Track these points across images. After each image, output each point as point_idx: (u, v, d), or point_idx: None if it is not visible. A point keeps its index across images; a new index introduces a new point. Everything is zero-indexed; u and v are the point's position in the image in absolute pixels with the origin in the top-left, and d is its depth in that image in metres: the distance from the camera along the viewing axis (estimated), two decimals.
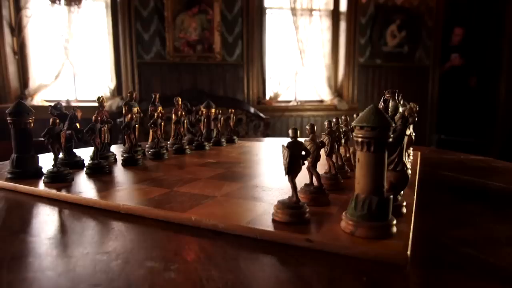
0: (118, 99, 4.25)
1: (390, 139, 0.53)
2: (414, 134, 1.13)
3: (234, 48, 4.48)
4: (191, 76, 4.44)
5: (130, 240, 0.56)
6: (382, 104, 0.72)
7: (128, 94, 1.18)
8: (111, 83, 4.36)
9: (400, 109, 0.83)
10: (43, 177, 0.83)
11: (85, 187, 0.80)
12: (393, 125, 0.62)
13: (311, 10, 4.65)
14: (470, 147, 4.24)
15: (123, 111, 1.15)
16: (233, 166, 1.03)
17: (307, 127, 0.68)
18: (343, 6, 4.73)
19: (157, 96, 1.27)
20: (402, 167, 0.61)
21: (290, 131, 0.60)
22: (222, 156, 1.21)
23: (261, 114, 4.25)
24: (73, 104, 4.26)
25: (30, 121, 0.87)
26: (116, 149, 1.20)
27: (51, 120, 0.83)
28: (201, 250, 0.52)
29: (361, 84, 4.82)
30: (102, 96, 1.07)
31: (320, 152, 0.69)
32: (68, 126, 0.96)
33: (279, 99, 4.75)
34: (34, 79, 4.15)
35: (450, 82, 4.93)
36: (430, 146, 4.81)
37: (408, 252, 0.49)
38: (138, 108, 1.19)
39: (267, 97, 4.73)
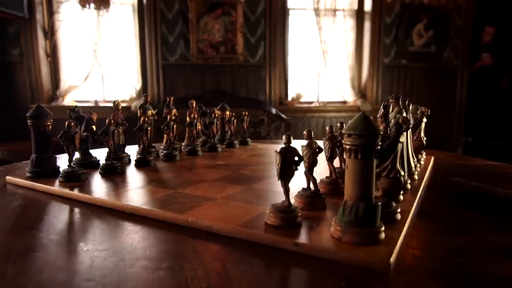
0: (143, 99, 4.36)
1: (378, 147, 0.53)
2: (425, 138, 1.12)
3: (256, 49, 4.51)
4: (214, 77, 4.51)
5: (130, 238, 0.60)
6: (382, 110, 0.72)
7: (143, 97, 1.22)
8: (137, 84, 4.50)
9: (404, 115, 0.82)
10: (59, 177, 0.88)
11: (96, 187, 0.84)
12: (388, 132, 0.63)
13: (334, 10, 4.61)
14: (501, 151, 4.07)
15: (138, 114, 1.20)
16: (240, 168, 1.05)
17: (305, 132, 0.69)
18: (367, 6, 4.66)
19: (172, 99, 1.31)
20: (395, 174, 0.61)
21: (283, 137, 0.62)
22: (232, 158, 1.24)
23: (283, 115, 4.25)
24: (101, 104, 4.42)
25: (49, 123, 0.93)
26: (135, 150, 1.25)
27: (66, 122, 0.88)
28: (193, 251, 0.55)
29: (386, 85, 4.73)
30: (117, 99, 1.12)
31: (317, 157, 0.70)
32: (84, 128, 1.01)
33: (301, 100, 4.74)
34: (65, 80, 4.34)
35: (480, 83, 4.75)
36: (458, 149, 4.66)
37: (392, 259, 0.49)
38: (152, 111, 1.23)
39: (289, 98, 4.73)
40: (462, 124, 4.88)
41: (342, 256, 0.50)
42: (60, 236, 0.61)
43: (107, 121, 0.97)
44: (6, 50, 4.08)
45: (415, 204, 0.75)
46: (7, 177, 0.93)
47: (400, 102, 0.84)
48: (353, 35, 4.74)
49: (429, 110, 1.12)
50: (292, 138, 0.62)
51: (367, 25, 4.70)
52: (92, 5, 4.11)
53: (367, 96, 4.77)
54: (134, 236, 0.60)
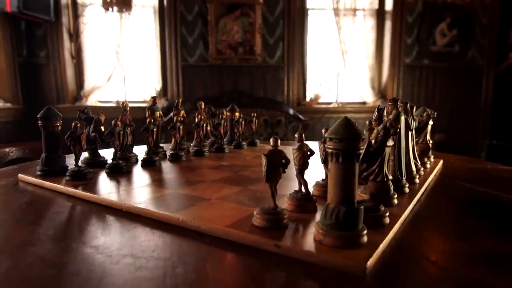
0: (163, 100, 4.45)
1: (360, 151, 0.53)
2: (431, 141, 1.10)
3: (275, 49, 4.51)
4: (232, 78, 4.54)
5: (121, 236, 0.62)
6: (376, 113, 0.72)
7: (151, 99, 1.26)
8: (158, 85, 4.59)
9: (402, 118, 0.81)
10: (66, 175, 0.92)
11: (100, 186, 0.88)
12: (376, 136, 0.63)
13: (354, 10, 4.55)
14: None
15: (146, 115, 1.23)
16: (242, 169, 1.07)
17: (296, 135, 0.70)
18: (388, 5, 4.57)
19: (180, 101, 1.34)
20: (382, 178, 0.61)
21: (271, 140, 0.63)
22: (237, 159, 1.25)
23: (300, 116, 4.24)
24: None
25: (58, 124, 0.97)
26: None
27: (73, 124, 0.92)
28: (179, 250, 0.57)
29: (407, 86, 4.62)
30: (125, 101, 1.15)
31: (309, 160, 0.70)
32: (93, 129, 1.05)
33: (320, 100, 4.71)
34: (89, 81, 4.49)
35: (507, 83, 4.57)
36: (481, 152, 4.50)
37: (370, 264, 0.49)
38: (160, 112, 1.26)
39: (308, 99, 4.71)
40: (486, 126, 4.71)
41: (321, 259, 0.51)
42: (57, 232, 0.64)
43: (113, 122, 1.01)
44: (34, 52, 4.25)
45: (409, 208, 0.74)
46: (19, 175, 0.98)
47: (399, 105, 0.83)
48: (373, 35, 4.66)
49: (435, 113, 1.10)
50: (279, 141, 0.62)
51: (388, 25, 4.61)
52: (115, 8, 4.23)
53: (387, 97, 4.68)
54: (125, 234, 0.63)
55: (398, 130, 0.65)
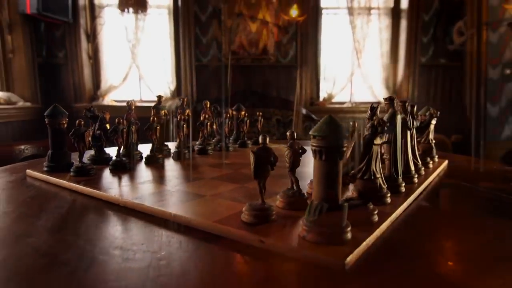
0: (177, 99, 4.51)
1: (344, 149, 0.54)
2: (434, 141, 1.09)
3: (288, 49, 4.51)
4: (245, 78, 4.56)
5: (113, 229, 0.64)
6: (369, 112, 0.72)
7: (157, 98, 1.29)
8: (172, 85, 4.65)
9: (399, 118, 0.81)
10: (70, 171, 0.95)
11: (102, 181, 0.91)
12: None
13: (369, 9, 4.50)
14: None
15: (152, 113, 1.26)
16: (242, 167, 1.08)
17: (287, 133, 0.71)
18: (404, 3, 4.50)
19: (185, 100, 1.36)
20: (370, 176, 0.61)
21: (260, 138, 0.64)
22: (240, 157, 1.26)
23: (313, 116, 4.22)
24: (138, 104, 4.61)
25: (64, 122, 1.01)
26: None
27: (77, 121, 0.95)
28: (168, 243, 0.58)
29: (422, 85, 4.54)
30: (131, 100, 1.18)
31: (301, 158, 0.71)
32: (98, 126, 1.09)
33: (333, 100, 4.68)
34: (106, 81, 4.59)
35: None
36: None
37: (349, 260, 0.50)
38: (165, 111, 1.29)
39: (321, 98, 4.68)
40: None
41: (301, 254, 0.52)
42: (55, 224, 0.67)
43: (116, 120, 1.04)
44: (53, 53, 4.38)
45: (403, 207, 0.73)
46: (27, 171, 1.02)
47: (395, 103, 0.83)
48: (388, 34, 4.60)
49: (438, 112, 1.09)
50: (268, 139, 0.63)
51: (403, 24, 4.54)
52: (131, 10, 4.31)
53: (402, 97, 4.62)
54: (119, 228, 0.65)
55: (386, 128, 0.64)
